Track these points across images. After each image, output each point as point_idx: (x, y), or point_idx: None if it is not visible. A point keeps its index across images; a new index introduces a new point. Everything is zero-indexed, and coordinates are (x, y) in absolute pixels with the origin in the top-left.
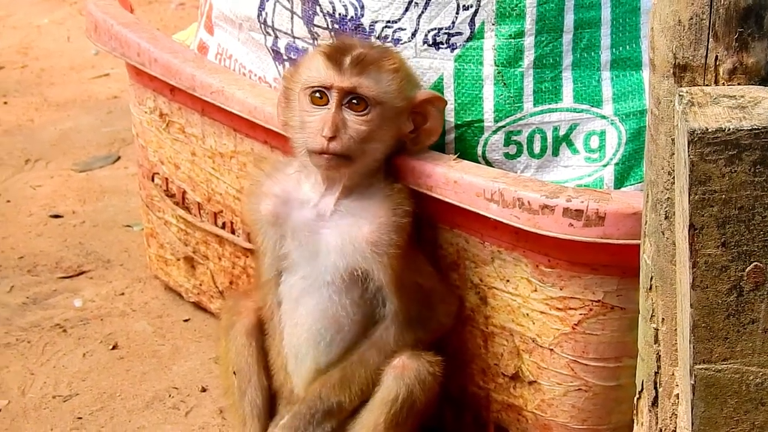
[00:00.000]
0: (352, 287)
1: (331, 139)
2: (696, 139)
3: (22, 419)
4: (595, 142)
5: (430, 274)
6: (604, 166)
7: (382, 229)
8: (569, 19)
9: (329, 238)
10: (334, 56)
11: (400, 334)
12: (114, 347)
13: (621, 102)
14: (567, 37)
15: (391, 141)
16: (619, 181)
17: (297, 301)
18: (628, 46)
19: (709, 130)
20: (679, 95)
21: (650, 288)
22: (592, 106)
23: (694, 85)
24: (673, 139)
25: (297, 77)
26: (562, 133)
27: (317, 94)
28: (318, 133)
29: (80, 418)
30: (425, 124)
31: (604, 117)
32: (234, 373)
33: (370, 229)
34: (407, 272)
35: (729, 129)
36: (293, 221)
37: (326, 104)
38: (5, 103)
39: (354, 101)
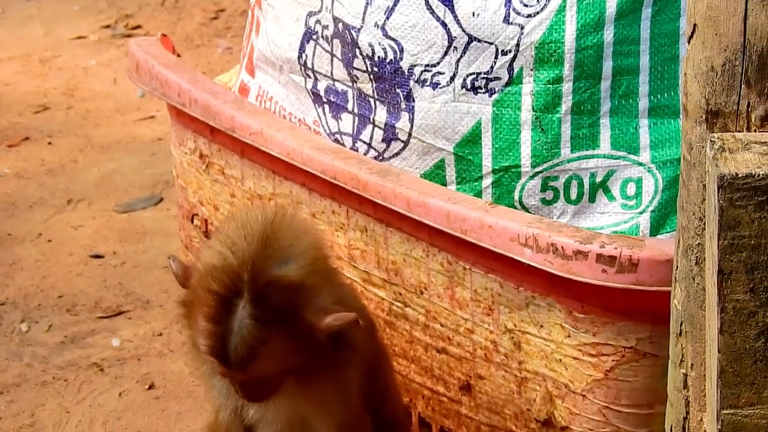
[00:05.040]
0: None
1: (252, 401)
2: (726, 184)
3: None
4: (631, 189)
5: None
6: (641, 213)
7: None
8: (607, 66)
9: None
10: (223, 356)
11: None
12: (150, 387)
13: (658, 150)
14: (605, 84)
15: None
16: (655, 229)
17: None
18: (666, 94)
19: (739, 176)
20: (711, 141)
21: (680, 333)
22: (630, 153)
23: (726, 131)
24: (704, 185)
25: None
26: (598, 179)
27: None
28: None
29: None
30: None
31: (641, 164)
32: None
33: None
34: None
35: (759, 175)
36: None
37: None
38: (50, 143)
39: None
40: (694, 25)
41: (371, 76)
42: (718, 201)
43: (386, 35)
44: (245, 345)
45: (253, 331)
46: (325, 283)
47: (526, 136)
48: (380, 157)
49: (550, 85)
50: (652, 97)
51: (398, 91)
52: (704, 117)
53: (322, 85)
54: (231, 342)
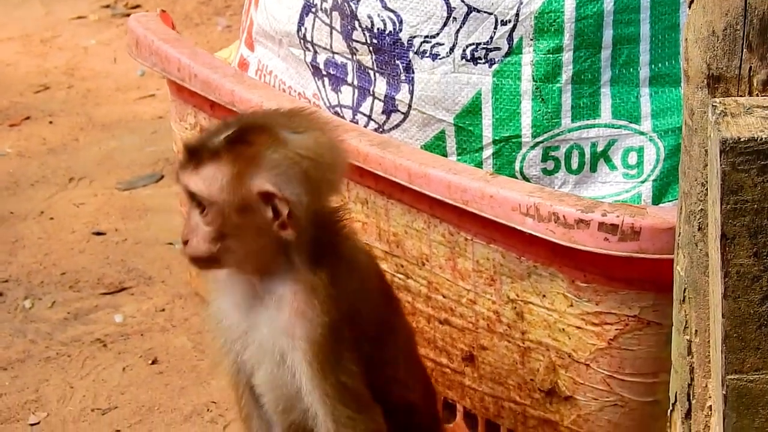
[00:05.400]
0: None
1: (185, 243)
2: (728, 148)
3: None
4: (633, 158)
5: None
6: (642, 182)
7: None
8: (608, 35)
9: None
10: (187, 150)
11: None
12: (153, 362)
13: (659, 118)
14: (605, 53)
15: (258, 234)
16: (657, 198)
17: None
18: (667, 63)
19: (741, 140)
20: (713, 106)
21: (683, 300)
22: (631, 122)
23: (727, 96)
24: (706, 150)
25: None
26: (600, 149)
27: None
28: None
29: (118, 430)
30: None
31: (642, 133)
32: None
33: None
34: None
35: (761, 138)
36: None
37: None
38: (51, 122)
39: (197, 201)
40: None
41: (371, 48)
42: (721, 165)
43: (385, 7)
44: (205, 150)
45: (218, 144)
46: (298, 183)
47: (526, 106)
48: (380, 129)
49: (550, 55)
50: (652, 66)
51: (398, 62)
52: (706, 82)
53: (321, 58)
54: (199, 144)
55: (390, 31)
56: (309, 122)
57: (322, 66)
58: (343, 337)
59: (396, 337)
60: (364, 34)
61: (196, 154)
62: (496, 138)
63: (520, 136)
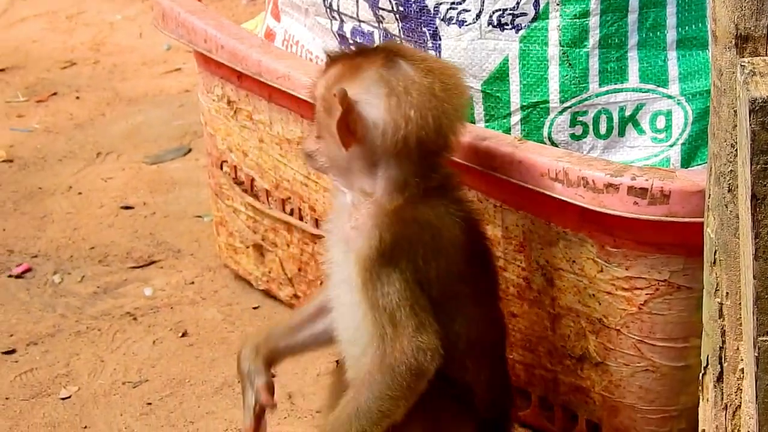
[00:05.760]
0: None
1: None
2: (757, 108)
3: (92, 405)
4: (661, 122)
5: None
6: (671, 146)
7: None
8: None
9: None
10: (327, 56)
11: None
12: (184, 334)
13: (687, 82)
14: (632, 17)
15: (336, 142)
16: (686, 162)
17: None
18: (694, 26)
19: None
20: (741, 66)
21: (714, 262)
22: (658, 86)
23: (756, 56)
24: (735, 111)
25: None
26: (628, 113)
27: None
28: None
29: (150, 403)
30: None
31: (670, 97)
32: None
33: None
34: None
35: None
36: None
37: None
38: (77, 98)
39: None
40: None
41: (397, 16)
42: (750, 125)
43: None
44: (336, 57)
45: (346, 54)
46: (378, 107)
47: (554, 72)
48: None
49: (577, 20)
50: (679, 29)
51: (424, 29)
52: (734, 42)
53: (348, 27)
54: (338, 52)
55: None
56: (437, 72)
57: (348, 35)
58: (394, 265)
59: (462, 315)
60: (390, 1)
61: (330, 62)
62: (524, 104)
63: (547, 102)
